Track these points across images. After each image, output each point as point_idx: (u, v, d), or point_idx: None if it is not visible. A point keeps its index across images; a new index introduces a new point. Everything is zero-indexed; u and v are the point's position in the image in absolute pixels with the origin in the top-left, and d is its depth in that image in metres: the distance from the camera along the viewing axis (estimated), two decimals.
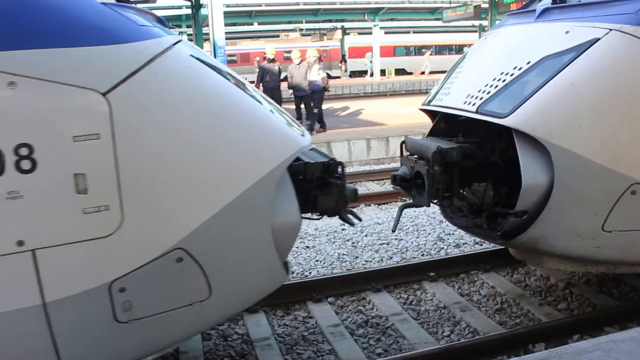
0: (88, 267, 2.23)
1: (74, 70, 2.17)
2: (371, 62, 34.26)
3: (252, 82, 18.68)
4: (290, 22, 36.67)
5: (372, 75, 33.44)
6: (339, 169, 3.12)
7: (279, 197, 2.59)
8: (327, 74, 13.73)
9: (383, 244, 5.67)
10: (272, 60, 13.21)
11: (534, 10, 3.97)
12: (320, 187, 3.13)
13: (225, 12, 13.64)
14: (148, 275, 2.31)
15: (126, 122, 2.21)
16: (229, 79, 2.66)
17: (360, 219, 3.69)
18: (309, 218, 3.30)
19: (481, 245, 5.49)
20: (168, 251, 2.31)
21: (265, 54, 13.67)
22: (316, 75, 12.52)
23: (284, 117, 2.89)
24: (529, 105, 3.19)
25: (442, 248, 5.51)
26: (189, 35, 30.03)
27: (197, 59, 2.58)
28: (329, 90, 13.19)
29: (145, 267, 2.29)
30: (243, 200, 2.40)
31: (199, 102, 2.41)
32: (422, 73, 35.75)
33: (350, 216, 3.35)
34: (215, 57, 13.33)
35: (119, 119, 2.18)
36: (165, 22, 2.95)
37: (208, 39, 16.79)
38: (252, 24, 35.90)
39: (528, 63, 3.41)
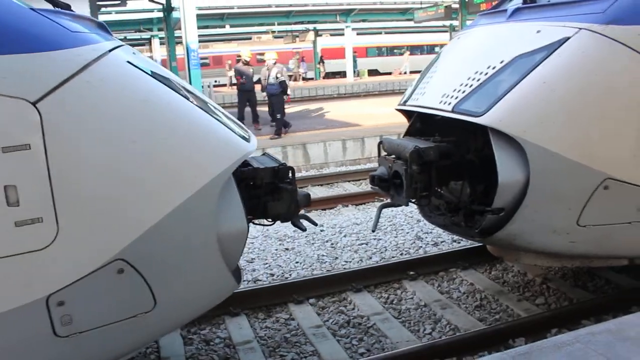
0: (23, 281, 2.17)
1: (0, 79, 2.12)
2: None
3: (223, 85, 18.74)
4: (262, 25, 36.59)
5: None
6: (289, 174, 3.12)
7: (224, 204, 2.57)
8: (290, 76, 13.61)
9: (362, 244, 5.70)
10: (247, 63, 13.18)
11: (505, 10, 4.04)
12: (271, 192, 3.12)
13: (197, 15, 13.55)
14: (87, 288, 2.27)
15: (58, 131, 2.17)
16: (169, 86, 2.60)
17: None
18: (260, 224, 3.33)
19: (459, 243, 5.56)
20: (108, 262, 2.27)
21: (240, 56, 13.63)
22: (274, 78, 12.34)
23: (229, 122, 2.86)
24: (503, 103, 3.25)
25: (421, 247, 5.56)
26: (161, 38, 29.80)
27: (136, 66, 2.53)
28: (288, 95, 13.08)
29: (84, 280, 2.25)
30: (184, 208, 2.37)
31: (136, 110, 2.38)
32: (401, 73, 35.95)
33: (303, 222, 3.37)
34: (188, 60, 13.26)
35: (50, 129, 2.14)
36: (107, 28, 2.92)
37: (180, 42, 16.69)
38: (224, 27, 35.74)
39: (501, 62, 3.47)
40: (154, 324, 2.52)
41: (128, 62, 2.53)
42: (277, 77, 12.28)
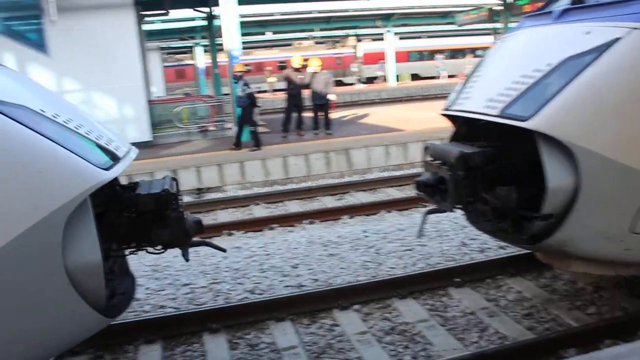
0: None
1: None
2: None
3: (264, 91, 18.88)
4: (303, 31, 36.80)
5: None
6: (174, 201, 3.02)
7: (73, 236, 2.45)
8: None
9: (407, 250, 5.65)
10: (298, 69, 13.30)
11: (552, 12, 3.95)
12: (156, 220, 3.01)
13: (239, 22, 13.72)
14: None
15: None
16: (11, 116, 2.43)
17: (223, 250, 3.68)
18: (150, 252, 3.23)
19: (506, 249, 5.45)
20: None
21: (290, 62, 13.80)
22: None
23: (86, 148, 2.68)
24: (551, 107, 3.17)
25: (467, 253, 5.48)
26: (204, 46, 30.28)
27: None
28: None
29: None
30: (21, 242, 2.29)
31: None
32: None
33: (188, 250, 3.27)
34: (231, 67, 13.44)
35: None
36: None
37: (222, 50, 16.94)
38: (265, 34, 36.08)
39: (549, 65, 3.39)
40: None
41: None
42: (242, 89, 12.06)
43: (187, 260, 3.34)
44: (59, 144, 2.48)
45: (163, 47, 31.54)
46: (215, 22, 19.33)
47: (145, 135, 13.69)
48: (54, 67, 13.04)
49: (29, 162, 2.38)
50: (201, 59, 31.53)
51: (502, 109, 3.44)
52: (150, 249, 3.19)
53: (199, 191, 10.22)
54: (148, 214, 3.00)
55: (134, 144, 11.79)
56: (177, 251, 6.36)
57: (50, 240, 2.37)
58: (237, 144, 12.14)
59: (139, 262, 5.87)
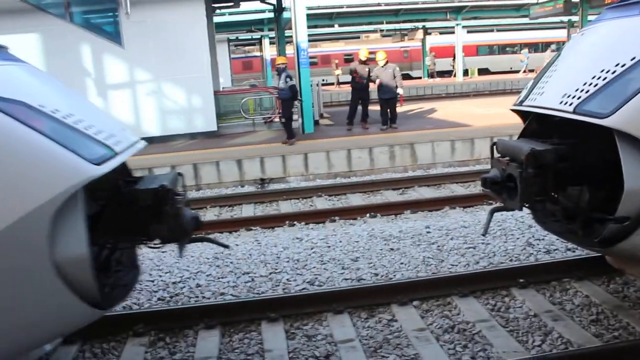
0: None
1: None
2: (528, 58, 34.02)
3: (330, 84, 18.90)
4: (370, 23, 36.58)
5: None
6: (171, 197, 3.00)
7: (61, 230, 2.48)
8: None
9: (469, 247, 5.53)
10: (364, 62, 13.24)
11: (638, 2, 3.73)
12: (154, 215, 3.01)
13: (306, 15, 13.77)
14: None
15: None
16: (5, 111, 2.49)
17: (226, 246, 3.72)
18: (149, 246, 3.21)
19: (574, 251, 5.24)
20: None
21: (355, 55, 13.77)
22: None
23: (80, 140, 2.70)
24: (632, 104, 2.99)
25: (532, 254, 5.30)
26: (271, 38, 30.62)
27: None
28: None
29: None
30: (7, 235, 2.34)
31: None
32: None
33: (185, 246, 3.26)
34: (297, 59, 13.52)
35: None
36: None
37: (290, 42, 17.06)
38: (333, 26, 36.10)
39: (633, 59, 3.20)
40: None
41: None
42: (286, 82, 11.97)
43: (180, 256, 3.36)
44: (52, 139, 2.52)
45: (231, 39, 32.10)
46: (284, 15, 19.49)
47: (211, 125, 13.99)
48: (128, 58, 13.51)
49: (18, 156, 2.43)
50: (268, 51, 31.90)
51: (578, 105, 3.28)
52: (150, 244, 3.21)
53: (262, 181, 10.35)
54: (146, 209, 3.01)
55: (200, 133, 12.22)
56: (239, 240, 6.49)
57: (37, 233, 2.41)
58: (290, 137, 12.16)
59: (202, 250, 6.01)
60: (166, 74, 13.69)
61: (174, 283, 5.14)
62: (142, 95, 13.77)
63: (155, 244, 3.24)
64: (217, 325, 4.29)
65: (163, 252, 6.25)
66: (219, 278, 5.17)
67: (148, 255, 6.07)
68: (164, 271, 5.45)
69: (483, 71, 37.65)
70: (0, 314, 2.52)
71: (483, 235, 4.32)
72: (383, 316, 4.33)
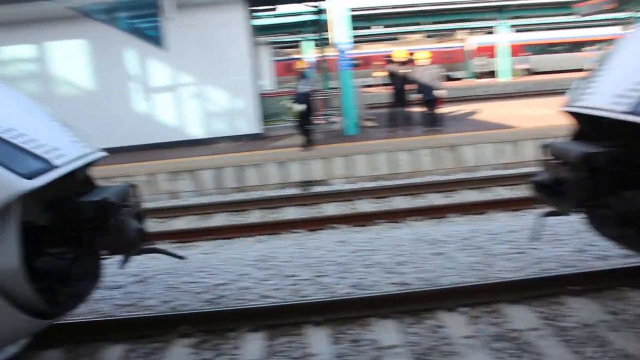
0: None
1: None
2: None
3: (371, 85, 18.80)
4: (411, 24, 36.30)
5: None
6: (114, 209, 3.05)
7: None
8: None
9: (518, 253, 5.38)
10: (402, 63, 13.12)
11: None
12: (99, 227, 3.06)
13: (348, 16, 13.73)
14: None
15: None
16: None
17: (180, 257, 3.97)
18: (103, 257, 3.27)
19: (630, 258, 5.04)
20: None
21: (392, 56, 13.63)
22: (429, 80, 12.11)
23: (23, 155, 2.78)
24: None
25: (584, 260, 5.12)
26: (313, 40, 30.67)
27: None
28: (440, 96, 12.75)
29: None
30: None
31: None
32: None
33: (130, 258, 3.33)
34: (339, 61, 13.50)
35: None
36: None
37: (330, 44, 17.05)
38: (373, 28, 35.96)
39: None
40: None
41: None
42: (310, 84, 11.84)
43: (122, 267, 3.44)
44: None
45: (273, 42, 32.30)
46: (324, 16, 19.50)
47: (254, 128, 14.09)
48: (171, 61, 13.75)
49: None
50: (309, 53, 31.98)
51: (634, 106, 3.15)
52: (103, 254, 3.29)
53: (305, 184, 10.35)
54: (90, 221, 3.07)
55: (243, 136, 12.19)
56: (283, 243, 6.49)
57: None
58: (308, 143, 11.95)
59: (246, 252, 6.04)
60: (209, 77, 13.87)
61: (218, 285, 5.16)
62: (186, 98, 13.98)
63: (104, 255, 3.32)
64: (261, 328, 4.29)
65: (206, 254, 6.32)
66: (262, 280, 5.18)
67: (193, 257, 6.13)
68: (208, 273, 5.48)
69: (530, 71, 36.90)
70: None
71: (532, 240, 4.20)
72: (429, 322, 4.25)
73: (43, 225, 3.13)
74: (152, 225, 8.60)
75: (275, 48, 36.61)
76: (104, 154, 3.69)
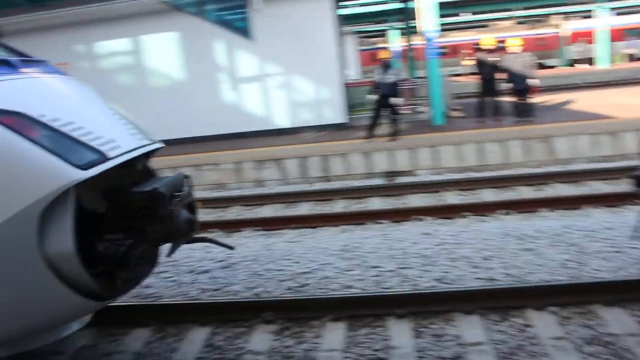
0: None
1: None
2: None
3: (459, 74, 18.33)
4: (501, 10, 34.95)
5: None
6: (163, 199, 3.17)
7: (49, 228, 2.73)
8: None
9: (616, 252, 5.06)
10: (490, 51, 12.68)
11: None
12: (149, 216, 3.18)
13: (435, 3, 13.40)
14: None
15: None
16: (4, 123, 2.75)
17: (230, 247, 4.09)
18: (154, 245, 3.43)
19: None
20: None
21: (479, 44, 13.20)
22: (521, 68, 11.72)
23: (68, 145, 2.92)
24: None
25: None
26: (399, 29, 30.29)
27: None
28: (535, 85, 12.22)
29: None
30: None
31: None
32: None
33: (178, 247, 3.45)
34: (426, 50, 13.24)
35: None
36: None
37: (417, 32, 16.76)
38: (462, 15, 34.94)
39: None
40: None
41: None
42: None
43: (169, 255, 3.60)
44: (42, 146, 2.80)
45: (358, 31, 32.17)
46: (411, 4, 19.17)
47: (340, 117, 14.11)
48: (258, 52, 14.00)
49: (9, 162, 2.72)
50: (396, 42, 31.60)
51: None
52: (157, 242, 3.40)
53: (390, 174, 10.26)
54: (141, 210, 3.21)
55: (329, 125, 12.25)
56: (367, 233, 6.47)
57: (26, 231, 2.68)
58: (370, 133, 11.71)
59: (330, 242, 6.06)
60: (295, 67, 14.01)
61: (302, 273, 5.21)
62: (272, 88, 14.20)
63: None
64: (343, 318, 4.29)
65: (291, 242, 6.40)
66: (346, 270, 5.17)
67: (278, 244, 6.24)
68: (292, 261, 5.55)
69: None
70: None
71: (633, 239, 3.93)
72: (516, 320, 4.09)
73: (101, 213, 3.31)
74: (238, 212, 8.83)
75: (360, 37, 36.49)
76: (161, 145, 3.84)
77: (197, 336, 4.28)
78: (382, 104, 11.54)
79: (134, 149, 3.40)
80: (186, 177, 3.70)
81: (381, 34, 36.68)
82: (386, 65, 11.70)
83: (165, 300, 4.95)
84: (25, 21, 14.06)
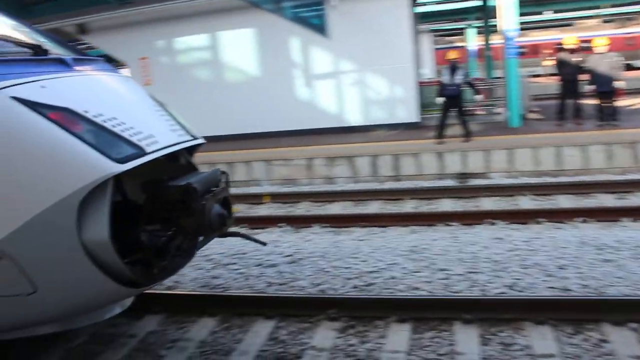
0: None
1: None
2: None
3: (540, 75, 17.64)
4: (587, 8, 33.40)
5: None
6: (196, 194, 3.33)
7: (87, 216, 2.91)
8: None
9: None
10: (573, 51, 12.14)
11: None
12: (184, 209, 3.35)
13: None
14: None
15: None
16: (46, 115, 2.95)
17: (263, 243, 4.25)
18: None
19: None
20: None
21: (562, 44, 12.67)
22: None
23: (107, 140, 3.07)
24: None
25: None
26: (477, 27, 29.55)
27: (24, 99, 2.95)
28: (619, 88, 11.61)
29: None
30: (43, 218, 2.81)
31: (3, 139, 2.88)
32: None
33: (209, 240, 3.66)
34: (506, 48, 12.84)
35: None
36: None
37: (496, 31, 16.29)
38: (543, 13, 33.67)
39: None
40: (36, 306, 3.04)
41: (14, 97, 2.95)
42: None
43: (198, 249, 3.81)
44: (84, 140, 2.98)
45: (434, 29, 31.64)
46: (491, 2, 18.67)
47: (413, 116, 13.94)
48: (333, 49, 14.03)
49: (53, 155, 2.90)
50: (473, 40, 30.85)
51: None
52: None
53: (463, 176, 10.04)
54: (176, 203, 3.38)
55: (402, 124, 12.13)
56: (437, 235, 6.35)
57: (67, 218, 2.87)
58: (440, 134, 11.42)
59: (399, 242, 6.00)
60: (369, 64, 13.95)
61: (369, 272, 5.19)
62: (346, 85, 14.20)
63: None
64: (408, 319, 4.23)
65: (360, 240, 6.38)
66: (414, 272, 5.10)
67: (346, 242, 6.23)
68: (359, 259, 5.53)
69: None
70: (47, 277, 3.00)
71: None
72: (592, 334, 3.89)
73: (141, 204, 3.49)
74: (307, 208, 8.89)
75: (436, 36, 35.88)
76: (201, 141, 3.98)
77: (262, 329, 4.34)
78: (451, 105, 11.33)
79: (173, 145, 3.55)
80: (223, 173, 3.86)
81: (458, 32, 35.91)
82: (454, 67, 11.44)
83: (232, 292, 5.05)
84: (109, 18, 14.72)
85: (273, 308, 4.55)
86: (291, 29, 14.23)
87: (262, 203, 9.42)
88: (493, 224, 7.09)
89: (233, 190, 10.61)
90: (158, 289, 5.28)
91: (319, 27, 14.13)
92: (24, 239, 2.88)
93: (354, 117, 14.27)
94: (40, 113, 3.00)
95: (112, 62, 12.43)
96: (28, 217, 2.84)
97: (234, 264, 5.82)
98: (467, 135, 11.29)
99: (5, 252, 2.87)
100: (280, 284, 5.15)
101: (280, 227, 7.69)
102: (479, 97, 11.48)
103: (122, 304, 3.93)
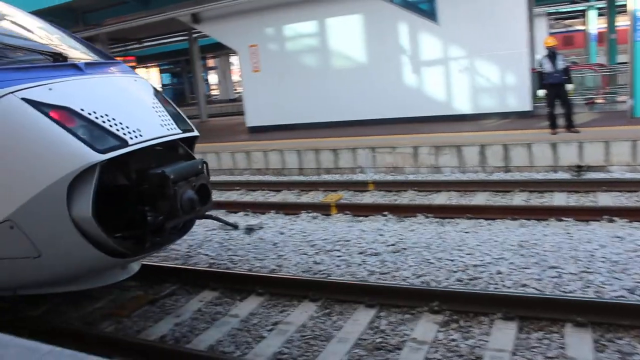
0: None
1: None
2: None
3: None
4: None
5: None
6: (168, 180, 3.87)
7: (75, 196, 3.53)
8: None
9: None
10: None
11: None
12: (160, 194, 3.90)
13: None
14: None
15: None
16: (47, 114, 3.56)
17: (235, 226, 5.74)
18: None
19: None
20: (2, 221, 3.55)
21: None
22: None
23: (94, 133, 3.64)
24: None
25: None
26: (599, 9, 27.58)
27: (32, 101, 3.57)
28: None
29: None
30: (40, 198, 3.46)
31: (6, 135, 3.54)
32: None
33: (186, 222, 4.50)
34: (634, 30, 11.87)
35: None
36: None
37: (623, 12, 15.11)
38: None
39: None
40: (43, 267, 3.72)
41: (24, 99, 3.57)
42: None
43: (179, 234, 4.59)
44: (74, 133, 3.55)
45: (551, 12, 29.91)
46: None
47: (525, 105, 13.28)
48: (442, 34, 13.64)
49: (47, 147, 3.50)
50: (594, 23, 28.85)
51: None
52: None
53: (579, 169, 9.45)
54: (154, 189, 3.91)
55: (513, 113, 11.60)
56: (548, 230, 6.02)
57: (60, 197, 3.49)
58: (553, 125, 10.65)
59: (507, 235, 5.76)
60: (480, 50, 13.42)
61: (474, 266, 5.03)
62: (455, 72, 13.77)
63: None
64: (515, 317, 4.06)
65: (465, 232, 6.19)
66: (522, 268, 4.88)
67: (451, 234, 6.08)
68: (465, 252, 5.38)
69: None
70: (48, 245, 3.63)
71: None
72: None
73: (133, 188, 4.01)
74: (412, 197, 8.75)
75: (553, 19, 33.94)
76: (194, 134, 4.50)
77: (362, 317, 4.33)
78: (556, 93, 10.68)
79: (158, 137, 4.04)
80: (204, 162, 4.38)
81: (577, 14, 33.74)
82: (553, 53, 10.77)
83: (333, 279, 5.08)
84: (221, 7, 15.20)
85: (374, 297, 4.53)
86: (399, 15, 13.99)
87: (366, 190, 9.40)
88: (612, 221, 6.61)
89: (337, 177, 10.69)
90: (261, 272, 5.43)
91: (428, 12, 13.78)
92: (29, 213, 3.51)
93: (463, 105, 13.83)
94: (42, 112, 3.58)
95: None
96: (31, 195, 3.46)
97: (337, 250, 5.85)
98: (572, 126, 10.61)
99: (15, 222, 3.53)
100: (382, 273, 5.12)
101: (384, 215, 7.63)
102: (570, 87, 10.66)
103: (128, 270, 4.59)
